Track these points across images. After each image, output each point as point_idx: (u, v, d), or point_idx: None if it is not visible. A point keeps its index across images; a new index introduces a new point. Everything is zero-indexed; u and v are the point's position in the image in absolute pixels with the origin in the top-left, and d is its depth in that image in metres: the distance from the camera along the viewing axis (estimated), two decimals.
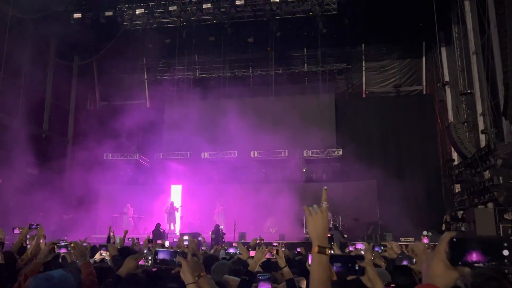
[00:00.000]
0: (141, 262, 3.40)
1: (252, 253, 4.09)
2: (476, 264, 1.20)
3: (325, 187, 1.65)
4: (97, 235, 14.94)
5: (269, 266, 4.08)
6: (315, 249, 1.56)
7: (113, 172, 17.59)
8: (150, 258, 3.45)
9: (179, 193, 18.38)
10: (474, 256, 1.20)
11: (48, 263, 2.99)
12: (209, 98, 18.57)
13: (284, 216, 16.50)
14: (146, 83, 20.98)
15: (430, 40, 17.96)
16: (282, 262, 3.51)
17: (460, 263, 1.22)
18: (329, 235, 3.42)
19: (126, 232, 7.79)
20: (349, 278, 1.83)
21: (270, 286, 2.53)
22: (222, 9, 16.90)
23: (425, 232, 12.22)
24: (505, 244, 1.18)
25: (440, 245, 1.25)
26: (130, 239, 7.70)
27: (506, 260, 1.17)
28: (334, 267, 1.68)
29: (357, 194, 15.93)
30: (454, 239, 1.23)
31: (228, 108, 17.13)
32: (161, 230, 14.84)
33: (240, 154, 18.27)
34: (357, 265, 1.73)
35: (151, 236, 13.86)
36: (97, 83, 20.89)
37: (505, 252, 1.18)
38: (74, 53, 20.78)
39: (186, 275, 2.13)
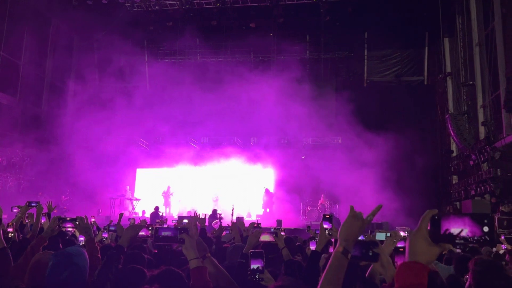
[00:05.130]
0: (146, 233, 3.44)
1: None
2: (457, 241, 1.23)
3: (380, 204, 1.69)
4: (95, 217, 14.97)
5: (268, 249, 4.12)
6: (340, 248, 1.56)
7: (112, 153, 17.57)
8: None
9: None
10: (455, 233, 1.23)
11: (53, 238, 3.01)
12: (209, 83, 18.50)
13: (282, 203, 16.61)
14: (146, 66, 20.85)
15: (433, 30, 17.84)
16: (281, 243, 3.56)
17: (441, 239, 1.24)
18: (328, 216, 3.46)
19: (121, 215, 7.69)
20: (363, 263, 1.82)
21: (263, 262, 2.56)
22: None
23: None
24: (485, 221, 1.21)
25: (422, 222, 1.28)
26: (130, 220, 7.72)
27: (486, 236, 1.20)
28: None
29: (355, 183, 15.96)
30: (436, 216, 1.26)
31: (228, 94, 17.08)
32: (159, 214, 14.95)
33: (239, 139, 18.30)
34: (371, 251, 1.72)
35: (148, 220, 13.98)
36: (97, 64, 20.74)
37: (485, 229, 1.21)
38: (75, 33, 20.60)
39: (188, 251, 2.14)
